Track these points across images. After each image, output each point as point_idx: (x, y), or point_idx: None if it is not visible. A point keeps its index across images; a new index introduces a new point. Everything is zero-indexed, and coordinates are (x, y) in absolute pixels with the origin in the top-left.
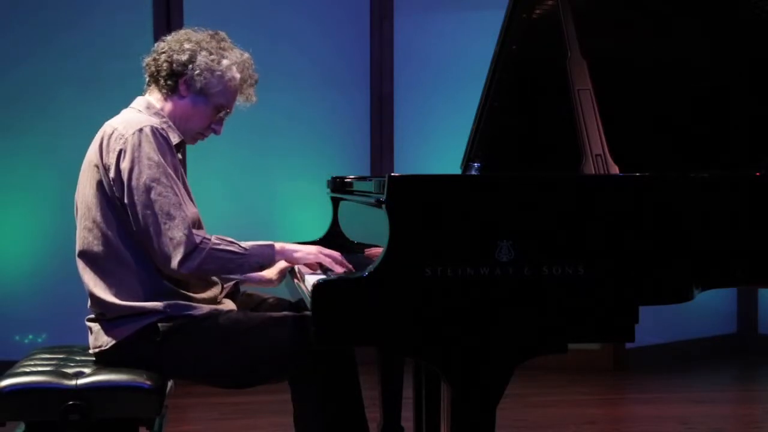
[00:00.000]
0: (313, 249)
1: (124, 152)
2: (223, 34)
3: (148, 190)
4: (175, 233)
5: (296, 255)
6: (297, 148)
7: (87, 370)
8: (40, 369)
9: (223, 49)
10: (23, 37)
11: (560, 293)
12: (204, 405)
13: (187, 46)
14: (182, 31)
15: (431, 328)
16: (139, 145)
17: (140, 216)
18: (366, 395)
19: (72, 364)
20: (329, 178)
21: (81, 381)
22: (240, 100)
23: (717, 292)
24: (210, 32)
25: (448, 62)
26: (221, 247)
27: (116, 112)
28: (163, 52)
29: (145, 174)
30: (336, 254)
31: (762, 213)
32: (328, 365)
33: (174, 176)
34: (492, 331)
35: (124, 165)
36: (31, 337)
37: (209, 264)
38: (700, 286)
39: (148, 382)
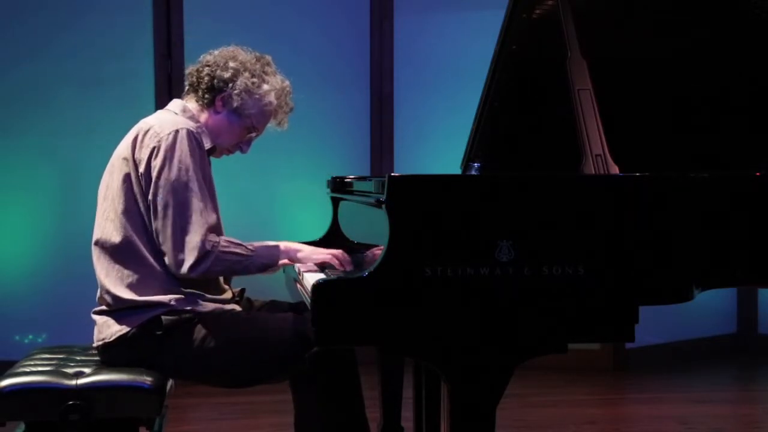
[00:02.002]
0: (318, 249)
1: (158, 150)
2: (268, 58)
3: (174, 191)
4: (192, 238)
5: (299, 255)
6: (297, 148)
7: (87, 370)
8: (40, 369)
9: (266, 74)
10: (23, 37)
11: (560, 293)
12: (204, 405)
13: (231, 64)
14: (231, 48)
15: (431, 328)
16: (174, 145)
17: (161, 215)
18: (366, 395)
19: (72, 364)
20: (329, 178)
21: (81, 381)
22: (272, 124)
23: (717, 292)
24: (257, 55)
25: (448, 62)
26: (229, 249)
27: (116, 112)
28: (207, 65)
29: (174, 175)
30: (338, 252)
31: (762, 213)
32: (329, 365)
33: (202, 182)
34: (492, 331)
35: (156, 162)
36: (31, 337)
37: (216, 266)
38: (700, 286)
39: (149, 382)
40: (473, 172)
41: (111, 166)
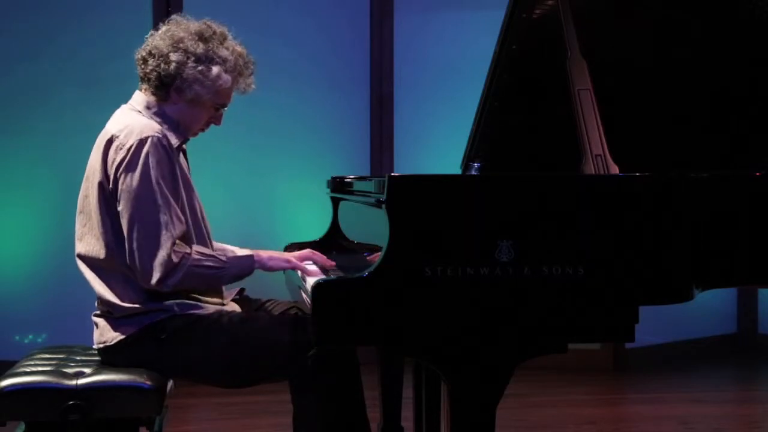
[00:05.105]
0: (287, 255)
1: (124, 162)
2: (213, 27)
3: (138, 206)
4: (157, 253)
5: (270, 264)
6: (297, 148)
7: (87, 370)
8: (40, 369)
9: (212, 52)
10: (23, 37)
11: (560, 293)
12: (204, 405)
13: (173, 57)
14: (170, 32)
15: (431, 328)
16: (137, 158)
17: (127, 229)
18: (366, 395)
19: (72, 364)
20: (329, 178)
21: (81, 381)
22: (237, 93)
23: (717, 292)
24: (199, 29)
25: (448, 62)
26: (201, 263)
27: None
28: (152, 56)
29: (137, 189)
30: (305, 253)
31: (762, 213)
32: (330, 365)
33: (167, 193)
34: (492, 331)
35: (121, 176)
36: (31, 337)
37: (189, 281)
38: (700, 286)
39: (148, 382)
40: (473, 172)
41: (87, 180)
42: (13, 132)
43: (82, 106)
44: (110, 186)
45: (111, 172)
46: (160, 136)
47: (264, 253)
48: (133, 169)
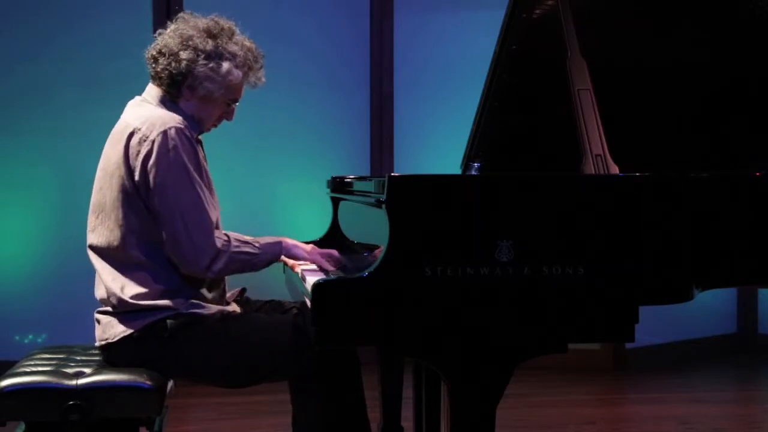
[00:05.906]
0: (309, 247)
1: (151, 155)
2: (221, 24)
3: (175, 196)
4: (201, 239)
5: (294, 251)
6: (297, 148)
7: (87, 370)
8: (40, 369)
9: (222, 49)
10: (23, 38)
11: (560, 293)
12: (204, 405)
13: (183, 55)
14: (179, 30)
15: (431, 328)
16: (166, 149)
17: (167, 221)
18: (366, 395)
19: (72, 364)
20: (329, 178)
21: (81, 381)
22: (248, 87)
23: (717, 292)
24: (207, 26)
25: (448, 62)
26: (240, 249)
27: (116, 112)
28: (162, 55)
29: (172, 180)
30: (326, 251)
31: (762, 213)
32: (330, 365)
33: (200, 180)
34: (492, 331)
35: (151, 169)
36: (31, 337)
37: (229, 266)
38: (700, 286)
39: (149, 382)
40: (473, 172)
41: (103, 172)
42: (13, 132)
43: (82, 106)
44: (135, 179)
45: (136, 164)
46: (182, 126)
47: (290, 241)
48: (164, 161)
